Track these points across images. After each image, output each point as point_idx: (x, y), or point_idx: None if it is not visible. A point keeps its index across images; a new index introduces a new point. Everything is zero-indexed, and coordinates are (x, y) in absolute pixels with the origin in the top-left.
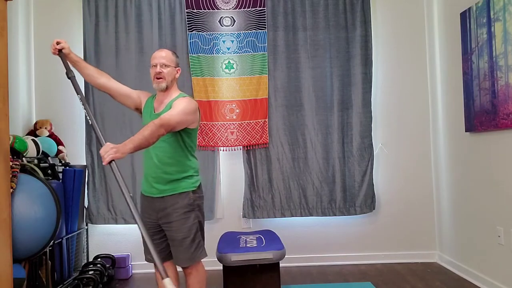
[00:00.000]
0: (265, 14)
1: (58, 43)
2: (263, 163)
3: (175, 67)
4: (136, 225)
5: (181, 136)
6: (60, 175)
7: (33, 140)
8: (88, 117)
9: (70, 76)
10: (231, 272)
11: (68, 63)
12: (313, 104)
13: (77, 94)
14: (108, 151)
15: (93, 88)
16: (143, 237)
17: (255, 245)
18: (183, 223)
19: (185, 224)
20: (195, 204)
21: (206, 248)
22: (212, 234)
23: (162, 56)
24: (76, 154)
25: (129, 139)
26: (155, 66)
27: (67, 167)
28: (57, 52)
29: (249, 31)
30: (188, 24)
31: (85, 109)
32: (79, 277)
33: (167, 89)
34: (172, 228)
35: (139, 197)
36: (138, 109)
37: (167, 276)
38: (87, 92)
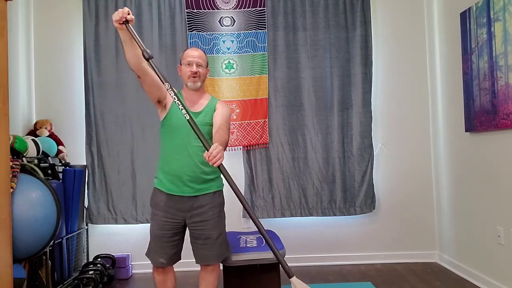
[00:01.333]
0: (265, 14)
1: (129, 13)
2: (263, 163)
3: (206, 67)
4: (135, 225)
5: None
6: (60, 175)
7: (33, 140)
8: (183, 109)
9: (148, 57)
10: (231, 272)
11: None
12: (313, 104)
13: (164, 83)
14: (220, 151)
15: (93, 88)
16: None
17: (255, 245)
18: (219, 220)
19: (221, 222)
20: (224, 202)
21: None
22: None
23: (197, 55)
24: (76, 154)
25: (220, 143)
26: (190, 64)
27: (67, 167)
28: (122, 23)
29: (249, 31)
30: (188, 24)
31: (178, 100)
32: (79, 277)
33: (200, 87)
34: (207, 226)
35: (153, 194)
36: (160, 102)
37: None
38: (87, 92)
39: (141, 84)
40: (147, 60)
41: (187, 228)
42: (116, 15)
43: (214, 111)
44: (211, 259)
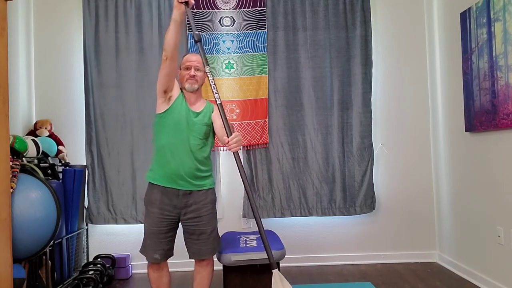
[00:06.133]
0: (265, 14)
1: None
2: (263, 163)
3: (205, 72)
4: (135, 225)
5: (212, 139)
6: (60, 175)
7: (33, 140)
8: (216, 92)
9: (198, 39)
10: (231, 272)
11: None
12: (313, 104)
13: (205, 66)
14: (240, 140)
15: (93, 88)
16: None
17: (255, 245)
18: (212, 216)
19: (214, 217)
20: (216, 199)
21: None
22: None
23: (195, 60)
24: (76, 154)
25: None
26: (189, 68)
27: (67, 167)
28: (183, 2)
29: (249, 31)
30: (188, 24)
31: (214, 84)
32: (79, 277)
33: (197, 90)
34: (202, 221)
35: (148, 191)
36: (166, 93)
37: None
38: (87, 92)
39: (162, 68)
40: (196, 42)
41: (179, 225)
42: None
43: (212, 113)
44: (206, 254)
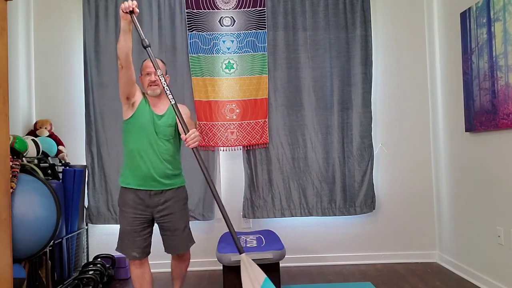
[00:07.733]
0: (265, 14)
1: (136, 6)
2: (263, 163)
3: (165, 75)
4: None
5: (179, 138)
6: (60, 175)
7: (33, 140)
8: (170, 94)
9: (147, 45)
10: (231, 272)
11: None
12: (313, 104)
13: (156, 69)
14: (197, 136)
15: (93, 88)
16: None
17: (255, 245)
18: (184, 213)
19: (185, 214)
20: (187, 197)
21: (206, 248)
22: (212, 234)
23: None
24: (76, 154)
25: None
26: (149, 74)
27: (67, 167)
28: (128, 12)
29: (249, 31)
30: (188, 24)
31: (167, 86)
32: (79, 277)
33: (160, 94)
34: (174, 218)
35: (121, 194)
36: (129, 99)
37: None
38: (87, 92)
39: (120, 76)
40: (145, 48)
41: (155, 223)
42: (126, 4)
43: None
44: (181, 249)
